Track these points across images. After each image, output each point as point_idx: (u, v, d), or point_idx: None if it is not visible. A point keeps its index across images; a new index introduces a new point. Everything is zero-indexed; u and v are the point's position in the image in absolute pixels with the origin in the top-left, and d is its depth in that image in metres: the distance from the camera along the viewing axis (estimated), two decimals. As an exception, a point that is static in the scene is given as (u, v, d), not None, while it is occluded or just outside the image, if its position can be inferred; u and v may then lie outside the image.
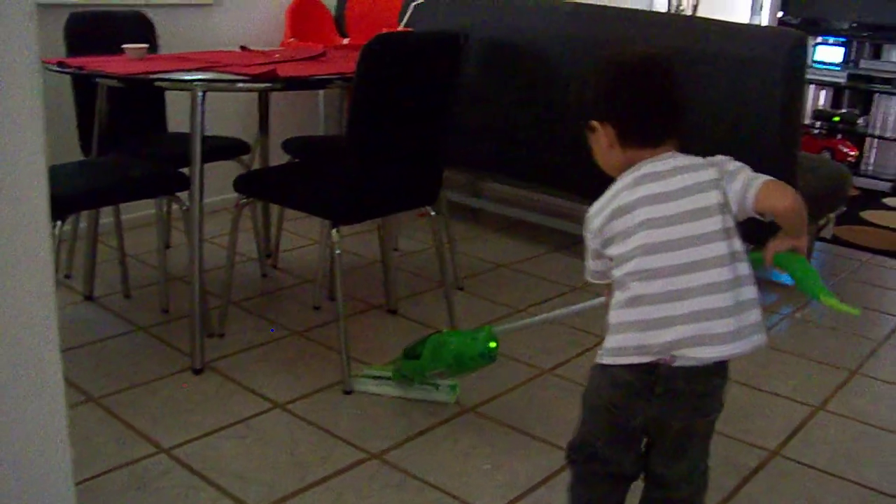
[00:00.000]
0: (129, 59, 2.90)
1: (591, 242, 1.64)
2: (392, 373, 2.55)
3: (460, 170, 4.34)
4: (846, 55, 5.87)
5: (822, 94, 6.21)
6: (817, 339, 3.17)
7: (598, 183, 1.66)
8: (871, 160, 6.00)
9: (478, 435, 2.42)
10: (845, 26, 5.88)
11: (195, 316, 2.69)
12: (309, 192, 2.77)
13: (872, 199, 5.32)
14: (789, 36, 3.18)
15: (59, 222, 2.56)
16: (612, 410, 1.62)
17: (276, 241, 3.65)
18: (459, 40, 2.74)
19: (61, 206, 2.61)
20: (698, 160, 1.60)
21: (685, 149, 1.64)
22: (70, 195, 2.67)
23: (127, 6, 3.76)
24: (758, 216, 1.58)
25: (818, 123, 5.92)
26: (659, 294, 1.52)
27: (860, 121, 5.83)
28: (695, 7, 6.69)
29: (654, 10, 6.65)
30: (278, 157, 3.49)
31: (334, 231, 2.62)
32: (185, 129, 2.73)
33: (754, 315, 1.54)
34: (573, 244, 1.59)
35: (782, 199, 1.54)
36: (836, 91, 6.05)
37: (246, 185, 2.84)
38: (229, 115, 4.07)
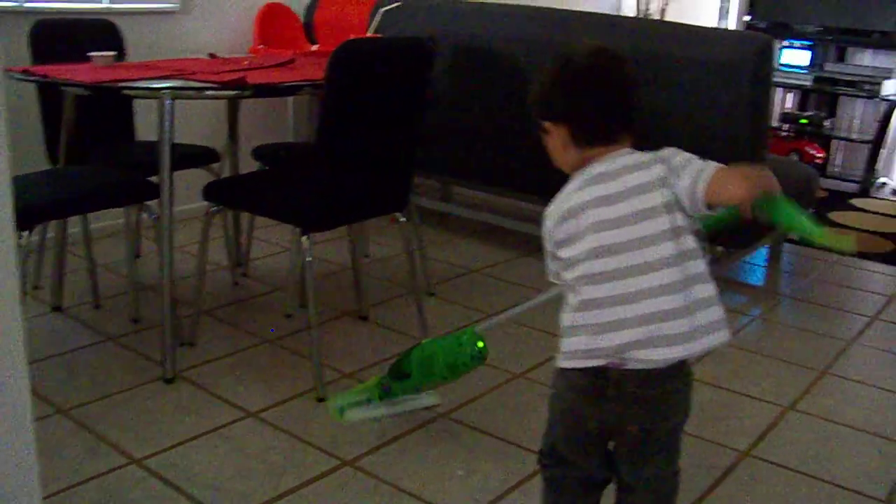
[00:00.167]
0: (96, 67, 2.88)
1: (546, 244, 1.61)
2: (373, 392, 2.42)
3: (430, 175, 4.34)
4: (812, 58, 5.93)
5: (790, 96, 6.27)
6: (787, 339, 3.20)
7: (564, 185, 1.65)
8: (838, 162, 6.08)
9: (451, 440, 2.42)
10: (811, 30, 5.94)
11: (166, 325, 2.67)
12: (279, 199, 2.76)
13: (840, 200, 5.37)
14: (756, 40, 3.22)
15: (25, 232, 2.54)
16: (569, 415, 1.61)
17: (246, 249, 3.64)
18: (428, 46, 2.74)
19: (28, 216, 2.59)
20: (647, 156, 1.55)
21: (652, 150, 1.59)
22: (37, 205, 2.64)
23: (93, 14, 3.73)
24: (709, 211, 1.50)
25: (786, 126, 5.98)
26: (608, 297, 1.49)
27: (826, 123, 5.90)
28: (662, 12, 6.74)
29: (622, 14, 6.69)
30: (248, 165, 3.48)
31: (305, 238, 2.62)
32: (153, 137, 2.71)
33: (710, 314, 1.50)
34: (542, 248, 1.59)
35: (737, 189, 1.43)
36: (803, 94, 6.12)
37: (216, 193, 2.83)
38: (198, 123, 4.05)
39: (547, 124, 1.60)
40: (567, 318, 1.56)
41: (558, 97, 1.58)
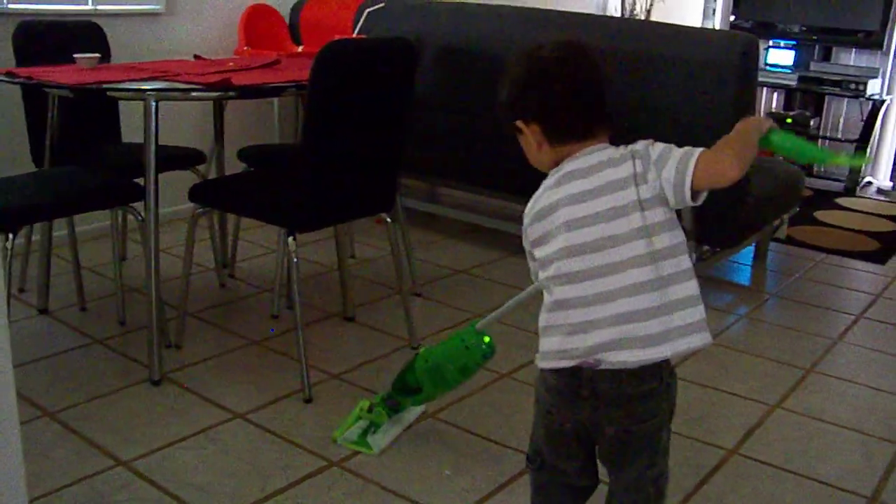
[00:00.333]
0: (81, 69, 2.87)
1: (524, 242, 1.59)
2: (379, 415, 2.40)
3: (416, 176, 4.34)
4: (797, 58, 5.96)
5: (775, 96, 6.30)
6: (773, 338, 3.21)
7: None
8: (824, 161, 6.09)
9: (438, 440, 2.42)
10: (796, 30, 5.96)
11: (152, 327, 2.66)
12: (265, 200, 2.76)
13: (825, 199, 5.40)
14: (741, 39, 3.23)
15: (10, 235, 2.53)
16: (548, 416, 1.59)
17: (232, 250, 3.63)
18: (413, 47, 2.75)
19: (13, 219, 2.58)
20: (620, 152, 1.51)
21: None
22: (22, 207, 2.63)
23: (78, 15, 3.72)
24: (694, 203, 1.47)
25: (771, 125, 5.99)
26: (580, 298, 1.47)
27: (812, 122, 5.92)
28: (648, 12, 6.76)
29: (607, 14, 6.70)
30: (234, 167, 3.47)
31: (291, 239, 2.62)
32: (139, 138, 2.71)
33: (688, 315, 1.46)
34: None
35: (728, 170, 1.42)
36: (788, 93, 6.14)
37: (202, 194, 2.82)
38: (184, 124, 4.04)
39: (518, 124, 1.56)
40: (542, 318, 1.54)
41: (527, 95, 1.54)
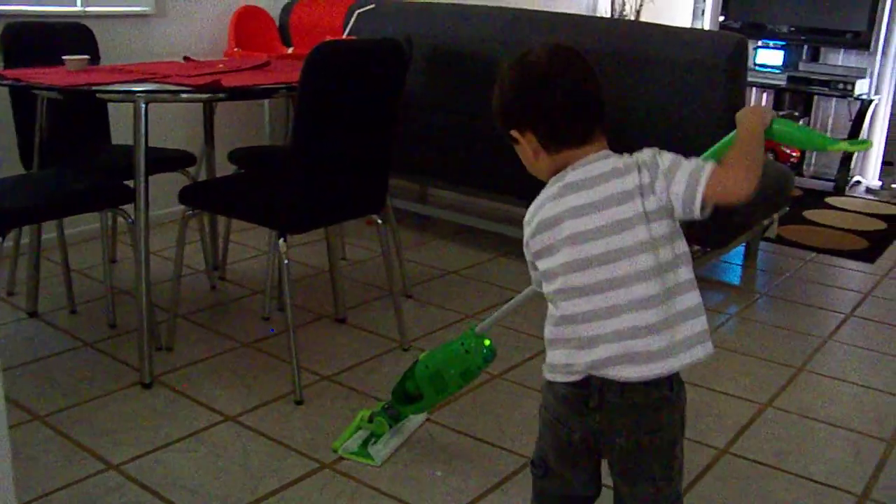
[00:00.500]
0: (70, 71, 2.86)
1: (525, 252, 1.56)
2: (380, 424, 2.37)
3: (407, 177, 4.34)
4: (786, 58, 5.97)
5: (764, 96, 6.31)
6: (764, 337, 3.21)
7: (541, 188, 1.61)
8: (813, 161, 6.12)
9: (429, 441, 2.41)
10: (784, 30, 5.98)
11: (143, 330, 2.66)
12: (255, 202, 2.75)
13: (815, 198, 5.41)
14: (730, 40, 3.24)
15: (0, 238, 2.52)
16: (556, 425, 1.56)
17: (223, 252, 3.62)
18: (404, 48, 2.74)
19: (2, 222, 2.58)
20: (627, 161, 1.47)
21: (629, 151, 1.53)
22: (11, 210, 2.62)
23: (67, 16, 3.71)
24: (700, 216, 1.45)
25: (761, 125, 6.01)
26: (585, 313, 1.45)
27: (801, 122, 5.93)
28: (637, 12, 6.77)
29: (597, 15, 6.72)
30: (224, 169, 3.47)
31: (281, 241, 2.61)
32: (128, 141, 2.70)
33: (692, 326, 1.46)
34: (519, 249, 1.56)
35: (742, 189, 1.41)
36: (777, 93, 6.15)
37: (192, 196, 2.82)
38: (174, 126, 4.03)
39: (514, 133, 1.52)
40: (548, 330, 1.52)
41: (520, 103, 1.51)
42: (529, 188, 1.59)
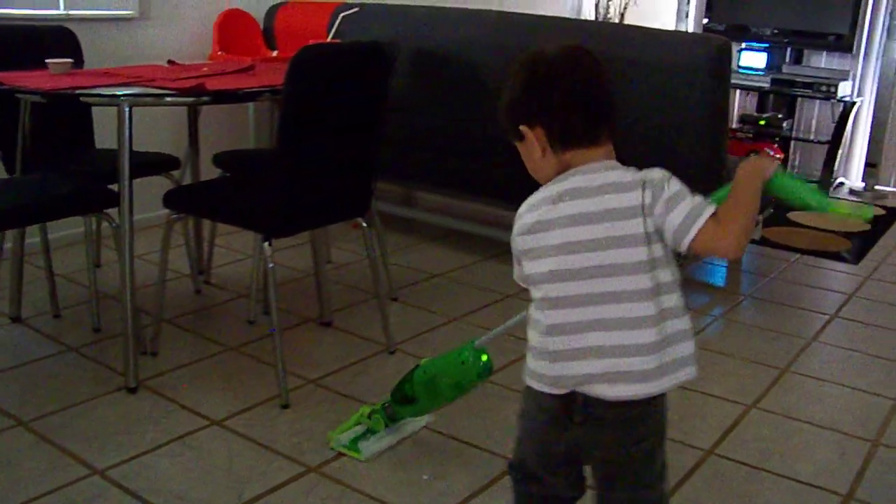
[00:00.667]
0: (53, 74, 2.85)
1: (512, 247, 1.52)
2: (376, 421, 2.38)
3: (392, 181, 4.34)
4: (769, 60, 6.00)
5: (748, 98, 6.34)
6: (749, 339, 3.23)
7: (528, 191, 1.60)
8: (797, 162, 6.15)
9: (416, 445, 2.41)
10: (768, 32, 6.00)
11: (128, 334, 2.65)
12: (240, 205, 2.75)
13: (798, 200, 5.42)
14: (714, 42, 3.25)
15: (-17, 242, 2.51)
16: (538, 435, 1.56)
17: (208, 256, 3.61)
18: (388, 51, 2.74)
19: (-15, 226, 2.56)
20: (634, 177, 1.44)
21: (616, 155, 1.52)
22: (-6, 214, 2.61)
23: (49, 20, 3.69)
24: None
25: (745, 127, 6.04)
26: (571, 324, 1.43)
27: (785, 124, 5.96)
28: (622, 15, 6.79)
29: (582, 17, 6.73)
30: (209, 172, 3.46)
31: (266, 244, 2.61)
32: (112, 144, 2.69)
33: (681, 349, 1.45)
34: (505, 252, 1.55)
35: (730, 251, 1.40)
36: (761, 95, 6.18)
37: (176, 200, 2.81)
38: (159, 130, 4.02)
39: (522, 128, 1.48)
40: (531, 336, 1.50)
41: (531, 97, 1.48)
42: (516, 191, 1.58)
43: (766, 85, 5.89)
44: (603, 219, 1.42)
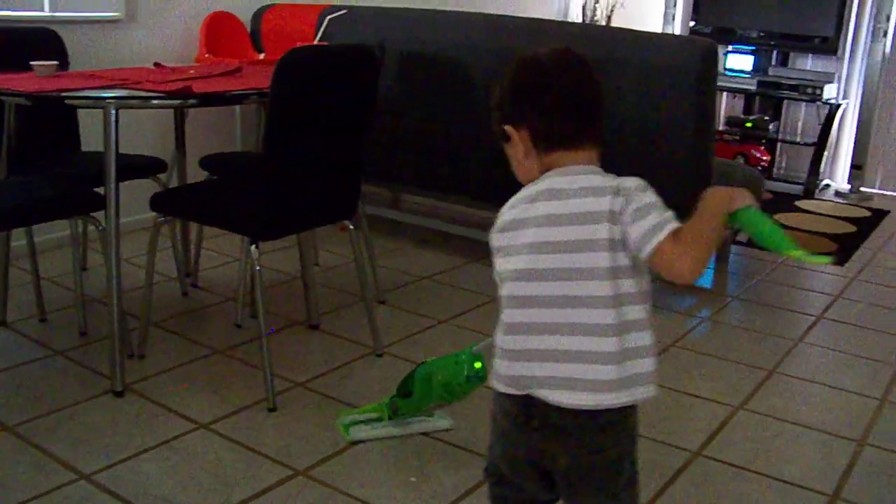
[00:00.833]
0: (38, 77, 2.83)
1: (490, 242, 1.52)
2: (384, 412, 2.42)
3: (379, 183, 4.34)
4: (755, 63, 6.02)
5: (735, 100, 6.36)
6: (736, 340, 3.24)
7: (514, 193, 1.60)
8: (783, 164, 6.18)
9: (403, 447, 2.41)
10: (754, 35, 6.03)
11: (114, 338, 2.64)
12: (227, 208, 2.74)
13: (785, 202, 5.46)
14: (700, 44, 3.26)
15: (-32, 246, 2.50)
16: (503, 437, 1.54)
17: (195, 259, 3.60)
18: (375, 53, 2.74)
19: (-30, 230, 2.55)
20: (607, 182, 1.42)
21: (602, 157, 1.51)
22: (-21, 218, 2.60)
23: (34, 21, 3.68)
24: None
25: (732, 129, 6.07)
26: (532, 325, 1.42)
27: (771, 126, 5.99)
28: (609, 17, 6.80)
29: (568, 20, 6.74)
30: (196, 175, 3.45)
31: (253, 247, 2.60)
32: (99, 147, 2.68)
33: (642, 364, 1.41)
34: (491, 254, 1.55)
35: (685, 275, 1.35)
36: (748, 98, 6.20)
37: (163, 203, 2.80)
38: (145, 132, 4.01)
39: (508, 128, 1.49)
40: (496, 335, 1.50)
41: (519, 98, 1.49)
42: (502, 193, 1.58)
43: (753, 87, 5.92)
44: (573, 221, 1.41)
